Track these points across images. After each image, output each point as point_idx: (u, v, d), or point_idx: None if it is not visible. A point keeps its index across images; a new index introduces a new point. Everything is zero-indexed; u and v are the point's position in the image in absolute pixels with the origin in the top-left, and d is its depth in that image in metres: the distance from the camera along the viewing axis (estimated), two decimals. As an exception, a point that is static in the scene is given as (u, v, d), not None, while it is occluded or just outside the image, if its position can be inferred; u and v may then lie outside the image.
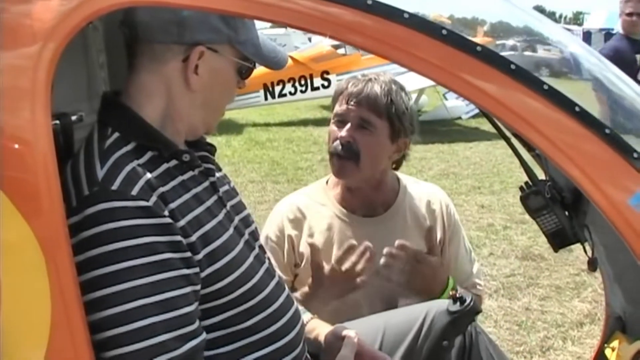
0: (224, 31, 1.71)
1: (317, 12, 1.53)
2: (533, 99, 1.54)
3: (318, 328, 2.21)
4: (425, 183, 2.92)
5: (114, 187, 1.55)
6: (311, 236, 2.64)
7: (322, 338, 2.15)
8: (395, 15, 1.52)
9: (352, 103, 2.54)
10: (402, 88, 2.63)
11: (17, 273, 1.42)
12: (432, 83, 13.92)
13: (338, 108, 2.59)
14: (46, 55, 1.46)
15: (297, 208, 2.70)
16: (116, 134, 1.67)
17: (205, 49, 1.70)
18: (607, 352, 2.29)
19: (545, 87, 1.54)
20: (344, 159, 2.54)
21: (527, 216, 2.20)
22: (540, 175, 2.15)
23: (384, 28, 1.52)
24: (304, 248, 2.62)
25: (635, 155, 1.56)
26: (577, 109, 1.55)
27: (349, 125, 2.54)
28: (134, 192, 1.56)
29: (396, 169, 2.75)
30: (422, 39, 1.52)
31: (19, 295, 1.43)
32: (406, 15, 1.52)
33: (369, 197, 2.67)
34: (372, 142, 2.54)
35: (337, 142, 2.55)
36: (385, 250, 2.45)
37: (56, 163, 1.48)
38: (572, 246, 2.15)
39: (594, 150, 1.57)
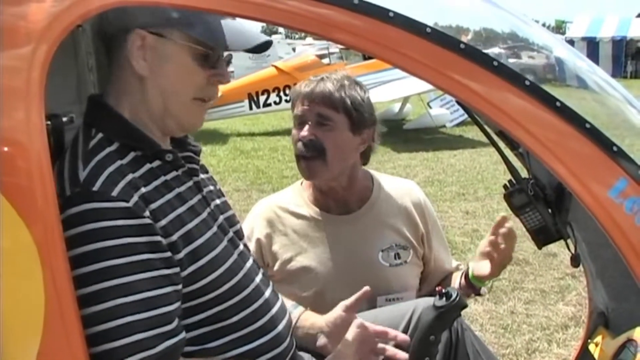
0: (165, 14, 1.67)
1: (304, 11, 1.57)
2: (515, 94, 1.59)
3: (312, 317, 2.23)
4: (399, 179, 2.93)
5: (95, 188, 1.58)
6: (285, 236, 2.65)
7: (320, 324, 2.16)
8: (380, 13, 1.56)
9: (307, 103, 2.55)
10: (356, 82, 2.64)
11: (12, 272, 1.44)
12: (416, 91, 14.15)
13: (295, 111, 2.60)
14: (39, 56, 1.49)
15: (272, 209, 2.71)
16: (100, 135, 1.69)
17: (147, 33, 1.68)
18: (591, 347, 2.32)
19: (527, 82, 1.59)
20: (311, 159, 2.54)
21: (511, 222, 2.21)
22: (524, 174, 2.19)
23: (369, 27, 1.57)
24: (277, 248, 2.64)
25: (614, 148, 1.61)
26: (557, 104, 1.60)
27: (308, 124, 2.54)
28: (115, 193, 1.58)
29: (365, 163, 2.74)
30: (406, 37, 1.57)
31: (14, 291, 1.45)
32: (391, 14, 1.56)
33: (342, 196, 2.68)
34: (334, 137, 2.53)
35: (300, 143, 2.54)
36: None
37: (50, 164, 1.51)
38: (557, 251, 2.18)
39: (575, 144, 1.62)
